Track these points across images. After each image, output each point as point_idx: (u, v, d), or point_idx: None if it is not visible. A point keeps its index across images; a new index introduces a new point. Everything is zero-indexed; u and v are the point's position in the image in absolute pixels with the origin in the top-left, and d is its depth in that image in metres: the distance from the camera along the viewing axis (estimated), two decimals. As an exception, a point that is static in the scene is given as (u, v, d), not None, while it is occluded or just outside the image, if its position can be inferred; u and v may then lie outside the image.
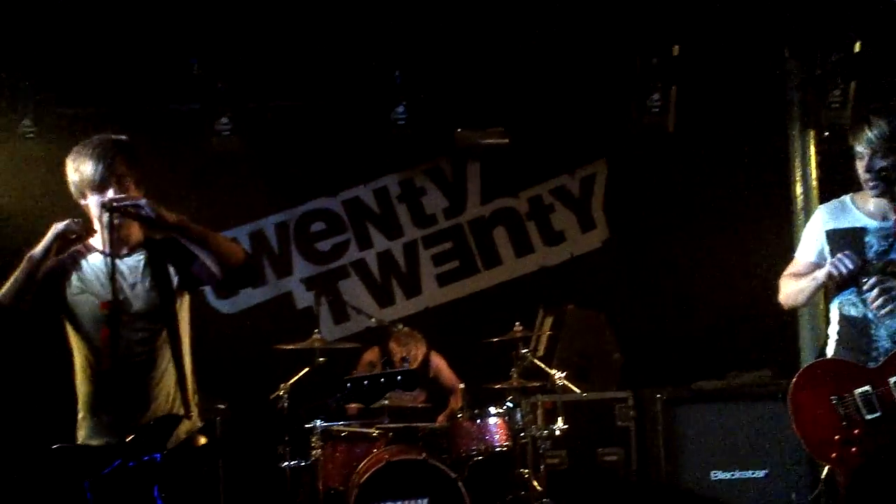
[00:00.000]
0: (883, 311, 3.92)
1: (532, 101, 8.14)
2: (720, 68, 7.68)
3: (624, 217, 8.71)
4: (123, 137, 3.89)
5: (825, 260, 4.12)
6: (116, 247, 3.82)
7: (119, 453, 3.65)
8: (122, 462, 3.64)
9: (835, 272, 3.98)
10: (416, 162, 8.76)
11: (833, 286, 4.13)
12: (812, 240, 4.25)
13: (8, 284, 3.74)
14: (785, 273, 4.34)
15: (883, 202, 4.01)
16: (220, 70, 7.31)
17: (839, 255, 3.98)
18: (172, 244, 3.88)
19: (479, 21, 6.98)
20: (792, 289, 4.26)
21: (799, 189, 7.43)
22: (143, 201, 3.65)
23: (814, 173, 7.41)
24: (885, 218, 4.02)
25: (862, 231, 4.06)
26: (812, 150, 7.44)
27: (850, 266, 3.95)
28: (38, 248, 3.74)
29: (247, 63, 7.33)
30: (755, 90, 7.75)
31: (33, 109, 7.19)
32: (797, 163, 7.47)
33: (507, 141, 8.17)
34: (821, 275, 4.07)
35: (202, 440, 3.89)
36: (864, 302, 4.00)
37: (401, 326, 7.50)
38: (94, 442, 3.79)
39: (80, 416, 3.86)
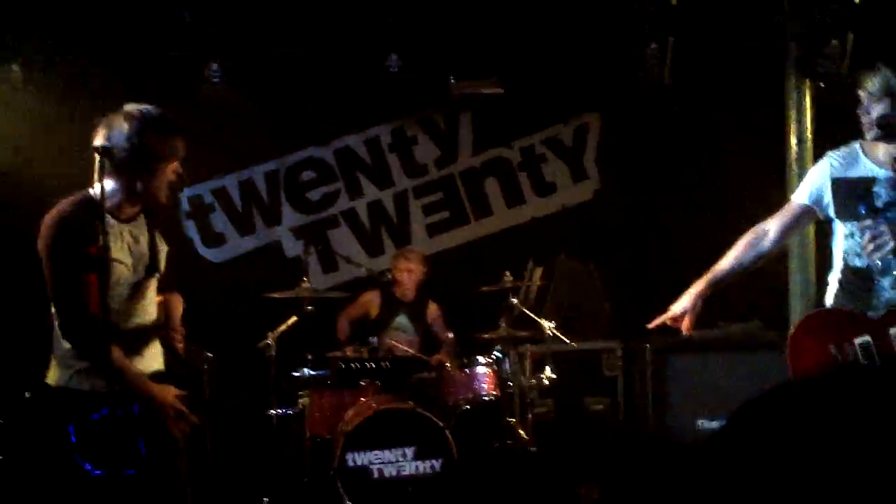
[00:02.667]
0: (875, 256, 3.89)
1: (527, 51, 8.04)
2: (718, 19, 7.58)
3: (616, 168, 8.66)
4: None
5: (820, 206, 4.08)
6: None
7: (107, 400, 3.64)
8: (110, 409, 3.62)
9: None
10: (409, 112, 8.69)
11: (841, 233, 4.07)
12: (813, 184, 4.15)
13: None
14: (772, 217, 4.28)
15: (891, 150, 3.93)
16: (210, 17, 7.21)
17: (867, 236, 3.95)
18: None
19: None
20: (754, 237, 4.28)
21: (794, 140, 7.37)
22: None
23: (809, 125, 7.34)
24: (893, 167, 3.94)
25: (871, 181, 3.97)
26: (808, 101, 7.36)
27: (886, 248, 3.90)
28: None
29: (238, 10, 7.23)
30: (752, 41, 7.66)
31: (22, 59, 7.10)
32: (792, 114, 7.40)
33: (501, 91, 8.08)
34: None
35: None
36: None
37: (389, 276, 7.50)
38: (82, 386, 3.74)
39: (61, 355, 3.79)
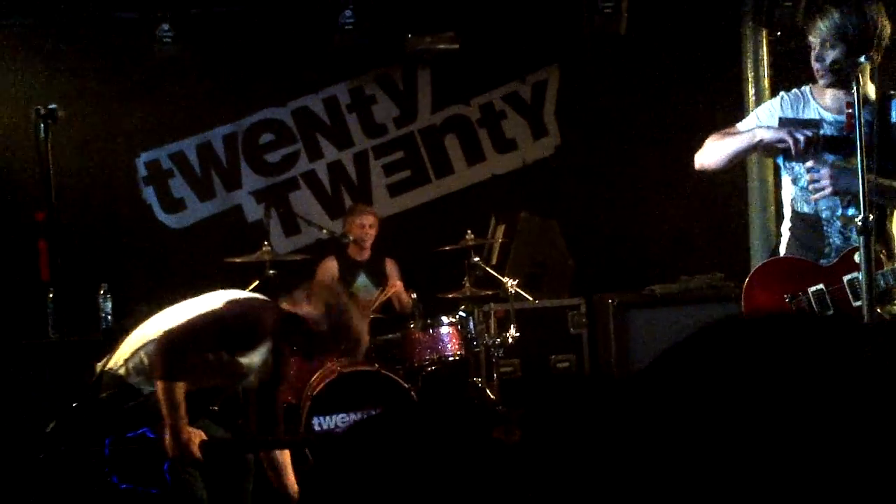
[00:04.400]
0: (816, 198, 3.88)
1: (483, 5, 7.99)
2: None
3: (576, 123, 8.63)
4: None
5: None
6: None
7: (147, 422, 3.72)
8: (146, 431, 3.66)
9: (788, 138, 3.81)
10: (366, 69, 8.58)
11: (788, 180, 4.05)
12: (759, 118, 4.11)
13: None
14: (712, 136, 4.16)
15: (840, 95, 3.92)
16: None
17: (800, 129, 3.87)
18: None
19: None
20: (720, 144, 4.06)
21: (751, 89, 7.38)
22: None
23: (766, 73, 7.36)
24: (840, 112, 3.94)
25: (816, 123, 3.97)
26: (764, 49, 7.37)
27: (808, 134, 3.81)
28: None
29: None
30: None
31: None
32: (749, 63, 7.41)
33: (457, 46, 8.00)
34: (765, 135, 3.90)
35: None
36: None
37: (351, 238, 7.44)
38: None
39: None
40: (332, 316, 3.91)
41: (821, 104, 4.00)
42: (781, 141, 3.86)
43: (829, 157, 3.92)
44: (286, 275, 6.56)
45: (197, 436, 3.78)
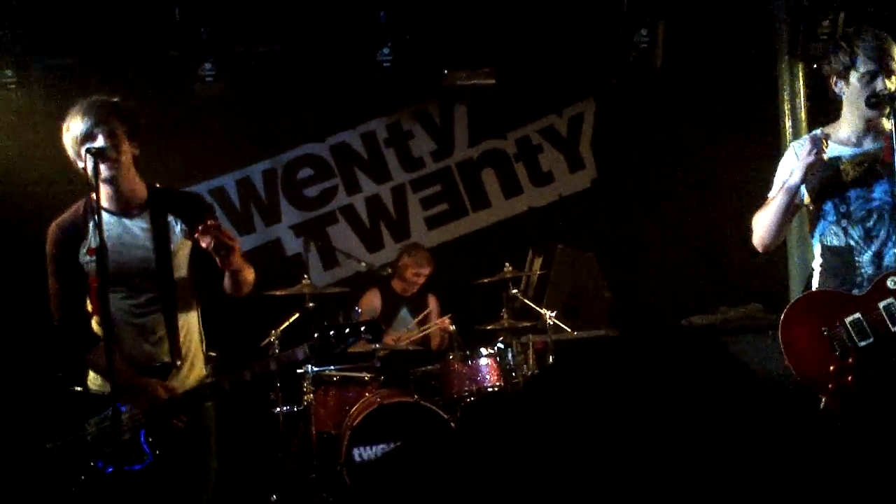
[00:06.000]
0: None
1: (519, 41, 8.05)
2: (707, 2, 7.60)
3: (612, 156, 8.68)
4: (115, 99, 3.97)
5: (799, 197, 4.08)
6: (121, 201, 3.90)
7: (112, 399, 3.68)
8: (114, 409, 3.66)
9: (808, 160, 3.89)
10: (403, 104, 8.69)
11: (815, 217, 4.08)
12: (781, 176, 4.14)
13: None
14: (755, 216, 4.20)
15: (857, 126, 3.99)
16: (202, 15, 7.20)
17: (804, 148, 3.95)
18: (179, 202, 4.06)
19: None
20: (764, 216, 4.10)
21: (788, 123, 7.38)
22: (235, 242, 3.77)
23: (802, 107, 7.35)
24: (858, 144, 4.00)
25: (836, 160, 4.01)
26: (801, 83, 7.37)
27: (816, 146, 3.89)
28: None
29: (229, 7, 7.22)
30: (743, 23, 7.67)
31: (14, 60, 7.09)
32: (786, 97, 7.41)
33: (493, 81, 8.09)
34: (794, 180, 3.96)
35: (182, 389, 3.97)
36: (845, 231, 3.99)
37: (389, 270, 7.52)
38: (97, 388, 3.93)
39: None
40: None
41: (837, 141, 4.04)
42: (806, 168, 3.92)
43: (852, 189, 3.96)
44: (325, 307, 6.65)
45: (155, 384, 3.83)
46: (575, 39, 8.03)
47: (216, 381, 4.01)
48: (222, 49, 7.42)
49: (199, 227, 3.72)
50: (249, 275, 4.02)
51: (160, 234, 3.95)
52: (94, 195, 3.73)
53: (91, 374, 3.96)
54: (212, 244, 3.71)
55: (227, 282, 3.96)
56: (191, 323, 4.06)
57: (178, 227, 3.99)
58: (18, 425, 3.90)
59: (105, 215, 3.84)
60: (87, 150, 3.71)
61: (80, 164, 3.80)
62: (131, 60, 7.72)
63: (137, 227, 3.94)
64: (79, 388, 3.94)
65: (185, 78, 7.48)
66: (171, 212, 4.01)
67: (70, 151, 3.86)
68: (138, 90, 7.97)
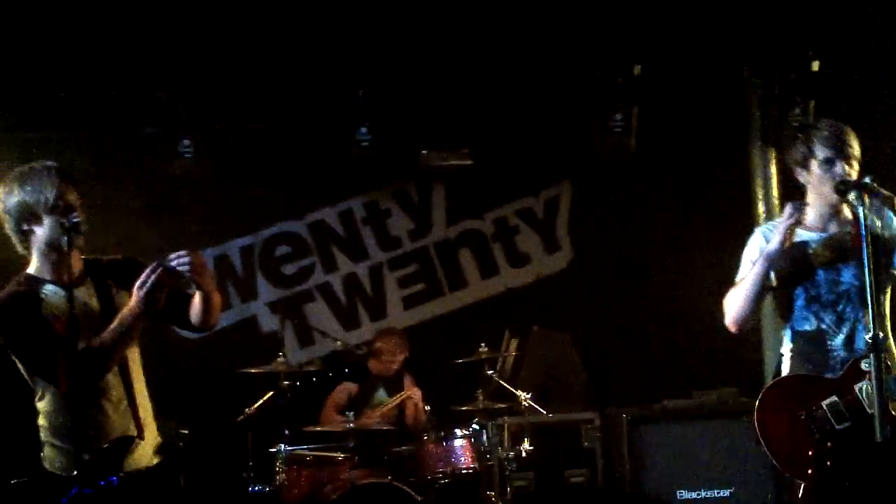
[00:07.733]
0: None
1: (496, 123, 8.15)
2: (681, 88, 7.72)
3: (588, 238, 8.73)
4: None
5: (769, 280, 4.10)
6: (66, 273, 3.73)
7: (75, 481, 3.59)
8: (79, 489, 3.58)
9: (788, 222, 4.00)
10: (381, 184, 8.74)
11: (784, 302, 4.11)
12: (750, 257, 4.17)
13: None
14: (726, 298, 4.21)
15: (823, 211, 4.05)
16: (181, 93, 7.26)
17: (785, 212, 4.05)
18: (113, 269, 3.94)
19: (442, 42, 6.98)
20: (737, 293, 4.11)
21: (761, 207, 7.47)
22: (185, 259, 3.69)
23: (775, 191, 7.45)
24: (824, 229, 4.05)
25: (804, 245, 4.05)
26: (773, 168, 7.48)
27: (795, 210, 3.99)
28: None
29: (208, 85, 7.28)
30: (716, 109, 7.81)
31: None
32: (758, 181, 7.52)
33: (471, 162, 8.17)
34: (772, 244, 4.00)
35: (156, 459, 3.88)
36: (816, 315, 4.01)
37: (365, 349, 7.49)
38: (56, 470, 3.74)
39: (44, 443, 3.81)
40: None
41: (803, 227, 4.09)
42: (785, 232, 3.99)
43: (821, 273, 4.00)
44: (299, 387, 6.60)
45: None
46: (551, 123, 8.14)
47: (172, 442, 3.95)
48: (201, 126, 7.48)
49: (171, 259, 3.67)
50: (218, 298, 4.00)
51: (106, 302, 3.87)
52: (36, 268, 3.76)
53: (48, 452, 3.79)
54: (186, 266, 3.68)
55: (198, 308, 3.91)
56: (144, 390, 3.97)
57: (119, 294, 3.90)
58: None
59: (52, 286, 3.77)
60: (62, 224, 3.66)
61: (25, 227, 3.74)
62: (111, 136, 7.76)
63: (86, 297, 3.85)
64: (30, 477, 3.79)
65: (163, 154, 7.51)
66: (109, 279, 3.93)
67: (15, 213, 3.74)
68: (117, 164, 8.02)
